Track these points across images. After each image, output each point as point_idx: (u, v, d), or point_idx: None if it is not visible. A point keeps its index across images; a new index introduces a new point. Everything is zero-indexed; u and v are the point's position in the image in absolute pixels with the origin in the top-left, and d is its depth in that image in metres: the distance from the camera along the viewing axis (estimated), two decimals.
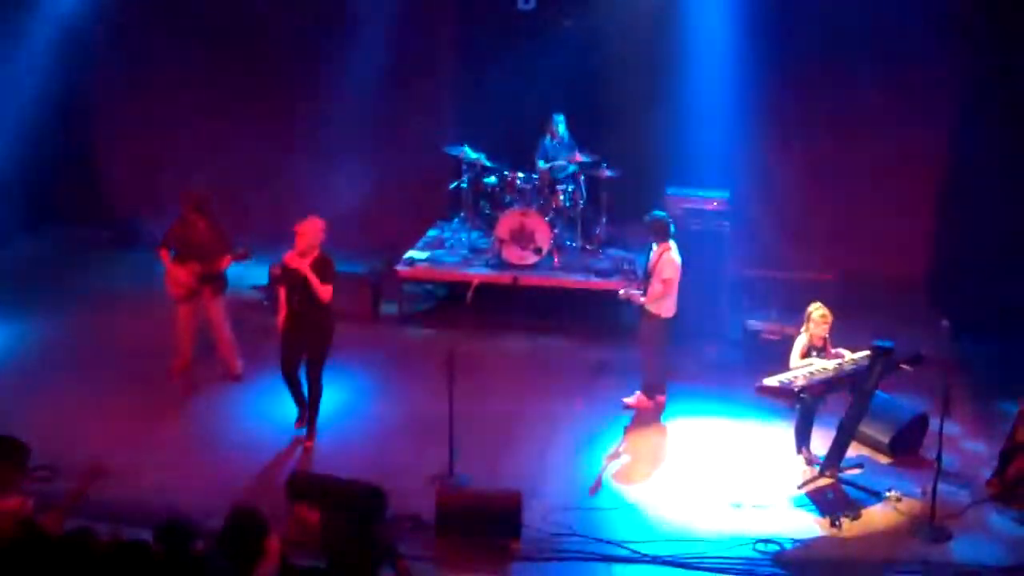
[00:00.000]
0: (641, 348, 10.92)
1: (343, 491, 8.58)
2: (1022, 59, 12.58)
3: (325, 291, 9.66)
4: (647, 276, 10.61)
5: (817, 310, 9.50)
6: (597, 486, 9.37)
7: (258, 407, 10.67)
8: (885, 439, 9.87)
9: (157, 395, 10.80)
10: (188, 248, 10.71)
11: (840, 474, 9.38)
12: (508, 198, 13.19)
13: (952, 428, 9.63)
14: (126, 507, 8.26)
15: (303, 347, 9.87)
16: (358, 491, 8.60)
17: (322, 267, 9.68)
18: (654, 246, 10.62)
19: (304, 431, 10.06)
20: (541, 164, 13.49)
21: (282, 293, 9.98)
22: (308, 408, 10.02)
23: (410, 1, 14.41)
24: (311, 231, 9.70)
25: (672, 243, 10.50)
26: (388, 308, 13.07)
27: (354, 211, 13.93)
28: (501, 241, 12.79)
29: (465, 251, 13.37)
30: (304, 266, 9.63)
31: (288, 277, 9.82)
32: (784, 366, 9.40)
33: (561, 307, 12.77)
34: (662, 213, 10.77)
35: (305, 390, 10.01)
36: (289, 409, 10.27)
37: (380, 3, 14.28)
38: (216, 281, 10.83)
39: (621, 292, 10.92)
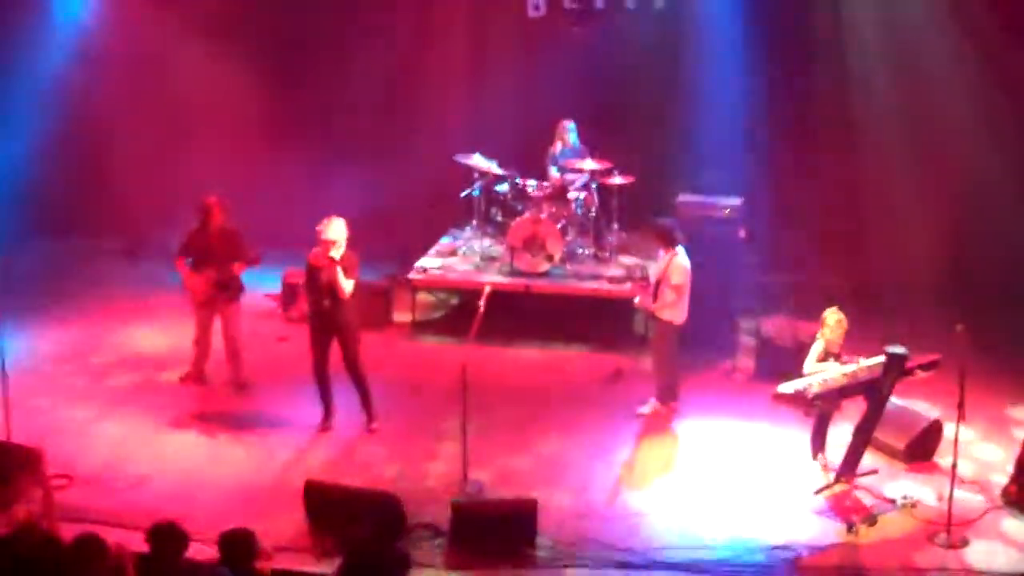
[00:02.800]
0: (653, 355, 10.92)
1: (358, 500, 8.59)
2: None
3: (347, 285, 9.82)
4: (658, 283, 10.60)
5: (832, 315, 9.45)
6: (616, 494, 9.34)
7: (270, 414, 10.66)
8: (900, 445, 9.84)
9: (169, 402, 10.84)
10: (204, 256, 10.77)
11: (856, 480, 9.35)
12: (520, 205, 13.18)
13: (967, 434, 9.59)
14: (139, 515, 8.26)
15: (331, 346, 10.09)
16: (373, 500, 8.61)
17: (347, 263, 9.87)
18: (662, 253, 10.62)
19: (328, 427, 10.32)
20: (553, 171, 13.50)
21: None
22: (362, 401, 10.29)
23: (421, 8, 14.44)
24: (335, 230, 9.82)
25: (680, 249, 10.49)
26: (401, 316, 13.08)
27: (366, 219, 13.92)
28: (513, 249, 12.78)
29: (477, 259, 13.36)
30: (330, 260, 9.80)
31: (313, 277, 9.95)
32: (799, 372, 9.37)
33: (574, 314, 12.74)
34: (667, 220, 10.77)
35: (356, 388, 10.28)
36: (298, 416, 10.29)
37: (391, 11, 14.32)
38: (231, 288, 10.88)
39: (637, 299, 10.90)
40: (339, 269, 9.79)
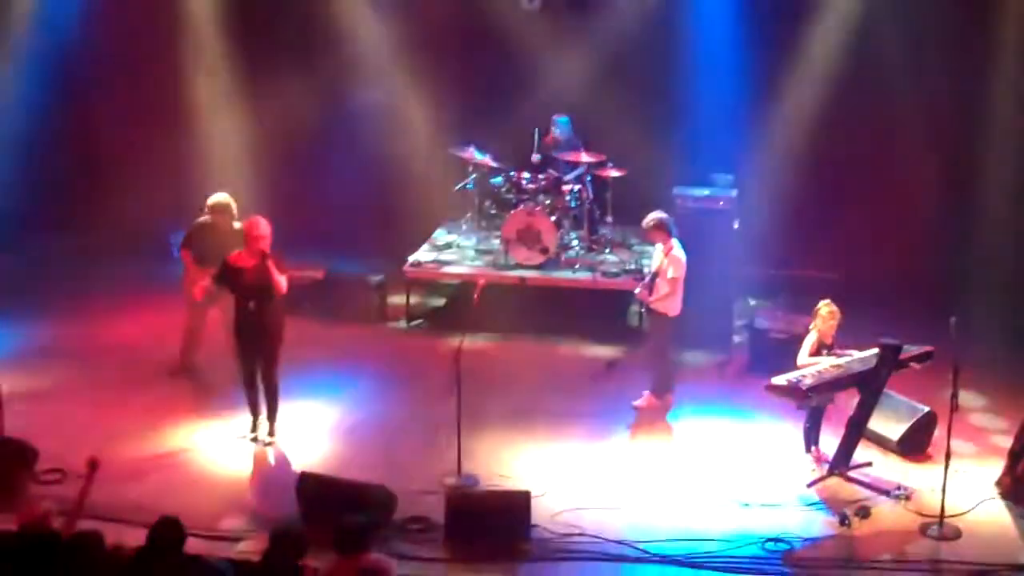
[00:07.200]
0: (648, 347, 10.93)
1: (352, 493, 8.58)
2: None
3: (282, 283, 9.61)
4: (653, 276, 10.59)
5: (826, 307, 9.45)
6: (610, 487, 9.31)
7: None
8: (894, 437, 9.85)
9: (163, 397, 10.82)
10: (210, 252, 10.68)
11: (849, 473, 9.36)
12: (514, 198, 13.17)
13: (960, 426, 9.58)
14: (131, 510, 8.27)
15: (258, 349, 9.80)
16: (367, 492, 8.60)
17: (276, 260, 9.62)
18: (659, 245, 10.61)
19: (264, 435, 10.02)
20: (535, 157, 13.35)
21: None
22: (268, 410, 9.97)
23: (413, 1, 14.40)
24: (258, 229, 9.58)
25: (675, 242, 10.48)
26: (395, 309, 13.06)
27: (361, 213, 13.93)
28: (507, 241, 12.77)
29: (472, 252, 13.35)
30: (264, 256, 9.51)
31: (238, 278, 9.68)
32: (792, 364, 9.36)
33: (568, 307, 12.74)
34: (662, 213, 10.76)
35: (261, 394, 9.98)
36: (291, 408, 10.28)
37: (383, 3, 14.28)
38: None
39: (637, 290, 10.87)
40: (272, 268, 9.49)
